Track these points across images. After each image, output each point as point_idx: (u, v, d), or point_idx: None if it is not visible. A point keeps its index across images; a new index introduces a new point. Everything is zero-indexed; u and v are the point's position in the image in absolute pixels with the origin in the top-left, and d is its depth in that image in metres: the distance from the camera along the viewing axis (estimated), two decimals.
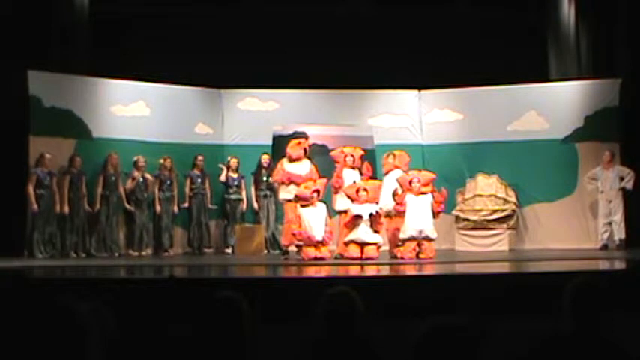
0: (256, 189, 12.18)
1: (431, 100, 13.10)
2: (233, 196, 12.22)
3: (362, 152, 10.94)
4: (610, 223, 11.52)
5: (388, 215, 10.40)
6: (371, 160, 11.53)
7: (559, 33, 12.77)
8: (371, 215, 10.01)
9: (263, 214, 12.16)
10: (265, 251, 11.89)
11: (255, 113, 12.98)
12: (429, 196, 10.12)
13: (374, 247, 9.97)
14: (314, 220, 9.97)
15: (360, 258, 9.79)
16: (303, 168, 10.67)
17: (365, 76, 12.73)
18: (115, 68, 11.92)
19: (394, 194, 10.22)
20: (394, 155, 10.83)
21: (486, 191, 12.03)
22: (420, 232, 9.99)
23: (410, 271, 9.08)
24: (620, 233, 11.42)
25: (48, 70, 11.16)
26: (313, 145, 12.08)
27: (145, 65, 12.13)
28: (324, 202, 10.25)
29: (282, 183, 10.72)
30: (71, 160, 11.17)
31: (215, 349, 3.09)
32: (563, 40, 12.73)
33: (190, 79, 12.51)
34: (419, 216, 10.02)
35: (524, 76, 12.37)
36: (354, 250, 9.92)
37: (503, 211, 11.95)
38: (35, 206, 10.70)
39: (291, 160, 10.71)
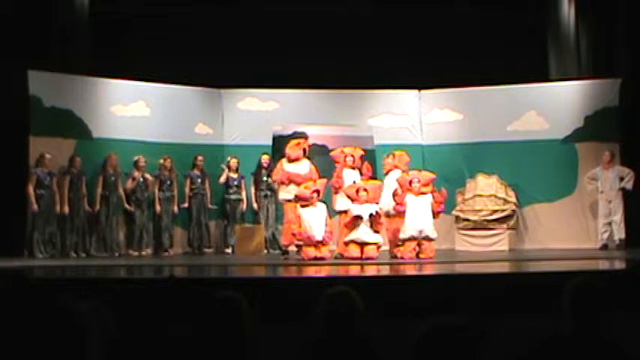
0: (256, 189, 12.19)
1: (431, 100, 13.10)
2: (233, 196, 12.22)
3: (362, 152, 10.94)
4: (610, 223, 11.52)
5: (388, 215, 10.40)
6: (371, 160, 11.53)
7: (559, 33, 12.77)
8: (371, 215, 10.01)
9: (263, 214, 12.16)
10: (265, 251, 11.89)
11: (255, 113, 12.98)
12: (429, 196, 10.13)
13: (374, 247, 9.97)
14: (314, 220, 9.97)
15: (360, 258, 9.79)
16: (303, 168, 10.67)
17: (365, 76, 12.73)
18: (115, 68, 11.92)
19: (394, 194, 10.22)
20: (394, 155, 10.84)
21: (486, 191, 12.03)
22: (420, 232, 10.00)
23: (410, 271, 9.08)
24: (620, 233, 11.42)
25: (48, 70, 11.16)
26: (313, 145, 12.08)
27: (145, 65, 12.13)
28: (324, 202, 10.25)
29: (282, 183, 10.72)
30: (71, 160, 11.17)
31: (215, 349, 3.09)
32: (563, 40, 12.73)
33: (190, 79, 12.51)
34: (419, 216, 10.02)
35: (524, 76, 12.37)
36: (354, 250, 9.92)
37: (503, 211, 11.95)
38: (35, 206, 10.70)
39: (291, 161, 10.71)
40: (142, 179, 11.66)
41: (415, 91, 13.15)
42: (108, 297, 4.70)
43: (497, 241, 11.85)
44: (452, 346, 2.33)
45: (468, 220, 12.03)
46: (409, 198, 10.07)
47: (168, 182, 11.91)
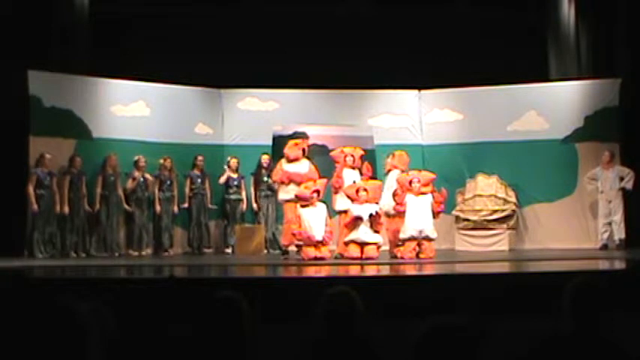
0: (256, 189, 12.19)
1: (431, 100, 13.10)
2: (233, 196, 12.22)
3: (362, 152, 10.94)
4: (610, 223, 11.52)
5: (388, 215, 10.40)
6: (371, 160, 11.53)
7: (559, 33, 12.77)
8: (371, 215, 10.01)
9: (263, 214, 12.16)
10: (265, 251, 11.89)
11: (255, 113, 12.98)
12: (429, 196, 10.13)
13: (374, 247, 9.97)
14: (314, 220, 9.97)
15: (360, 258, 9.80)
16: (302, 167, 10.67)
17: (365, 76, 12.74)
18: (115, 68, 11.92)
19: (394, 194, 10.22)
20: (394, 155, 10.84)
21: (486, 191, 12.03)
22: (420, 232, 10.00)
23: (410, 271, 9.08)
24: (620, 233, 11.42)
25: (48, 70, 11.16)
26: (313, 145, 12.09)
27: (145, 65, 12.13)
28: (324, 202, 10.25)
29: (282, 183, 10.72)
30: (71, 160, 11.18)
31: (215, 349, 3.09)
32: (563, 40, 12.73)
33: (190, 79, 12.51)
34: (419, 216, 10.02)
35: (524, 76, 12.37)
36: (354, 250, 9.92)
37: (503, 211, 11.95)
38: (35, 206, 10.70)
39: (290, 161, 10.71)
40: (142, 179, 11.66)
41: (415, 91, 13.15)
42: (108, 297, 4.70)
43: (497, 241, 11.85)
44: (452, 346, 2.33)
45: (468, 220, 12.03)
46: (409, 198, 10.07)
47: (168, 182, 11.91)
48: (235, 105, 13.03)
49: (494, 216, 11.93)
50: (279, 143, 12.15)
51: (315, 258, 9.77)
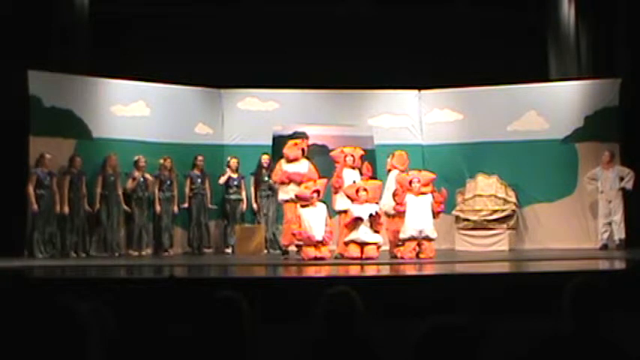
0: (257, 189, 12.19)
1: (431, 100, 13.10)
2: (233, 196, 12.22)
3: (362, 152, 10.94)
4: (610, 223, 11.52)
5: (388, 215, 10.40)
6: (371, 160, 11.53)
7: (559, 33, 12.77)
8: (371, 215, 10.01)
9: (263, 214, 12.16)
10: (265, 251, 11.89)
11: (255, 113, 12.98)
12: (429, 196, 10.13)
13: (374, 247, 9.97)
14: (314, 220, 9.97)
15: (360, 258, 9.80)
16: (302, 167, 10.67)
17: (365, 76, 12.74)
18: (115, 68, 11.92)
19: (394, 194, 10.22)
20: (394, 155, 10.85)
21: (486, 191, 12.03)
22: (420, 232, 10.00)
23: (410, 271, 9.08)
24: (620, 233, 11.42)
25: (48, 70, 11.16)
26: (313, 145, 12.10)
27: (145, 65, 12.13)
28: (324, 202, 10.25)
29: (282, 183, 10.73)
30: (71, 160, 11.18)
31: (215, 349, 3.09)
32: (563, 40, 12.73)
33: (190, 79, 12.51)
34: (419, 216, 10.03)
35: (524, 76, 12.37)
36: (354, 250, 9.92)
37: (503, 211, 11.95)
38: (35, 206, 10.70)
39: (289, 161, 10.71)
40: (142, 179, 11.66)
41: (415, 91, 13.15)
42: (108, 297, 4.70)
43: (497, 241, 11.85)
44: (452, 346, 2.33)
45: (468, 220, 12.03)
46: (409, 198, 10.08)
47: (168, 182, 11.91)
48: (235, 105, 13.03)
49: (494, 216, 11.93)
50: (279, 143, 12.15)
51: (315, 258, 9.77)
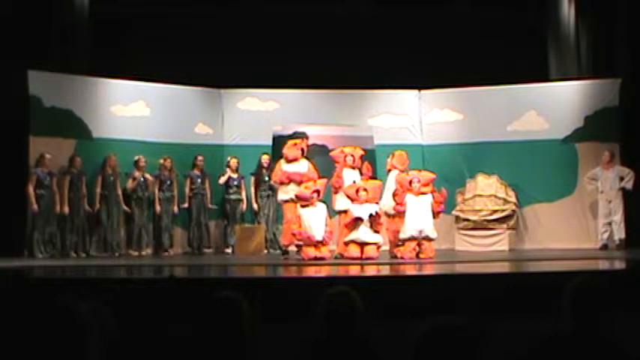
0: (257, 189, 12.19)
1: (431, 100, 13.10)
2: (233, 196, 12.22)
3: (362, 152, 10.94)
4: (610, 223, 11.52)
5: (388, 215, 10.40)
6: (371, 160, 11.53)
7: (559, 33, 12.77)
8: (371, 215, 10.01)
9: (263, 214, 12.16)
10: (265, 251, 11.89)
11: (255, 113, 12.98)
12: (429, 196, 10.13)
13: (374, 247, 9.97)
14: (314, 220, 9.97)
15: (360, 258, 9.80)
16: (301, 167, 10.67)
17: (365, 76, 12.74)
18: (115, 68, 11.92)
19: (394, 194, 10.22)
20: (393, 155, 10.85)
21: (486, 191, 12.03)
22: (420, 232, 10.00)
23: (410, 271, 9.08)
24: (620, 233, 11.42)
25: (48, 70, 11.16)
26: (313, 145, 12.10)
27: (145, 65, 12.13)
28: (324, 202, 10.25)
29: (282, 183, 10.73)
30: (71, 160, 11.18)
31: (215, 349, 3.09)
32: (563, 40, 12.73)
33: (190, 79, 12.51)
34: (419, 216, 10.03)
35: (524, 76, 12.37)
36: (354, 250, 9.92)
37: (503, 211, 11.95)
38: (35, 206, 10.70)
39: (289, 161, 10.71)
40: (142, 179, 11.66)
41: (415, 91, 13.15)
42: (108, 297, 4.70)
43: (497, 241, 11.85)
44: (452, 346, 2.33)
45: (468, 220, 12.03)
46: (409, 198, 10.08)
47: (168, 182, 11.91)
48: (235, 105, 13.03)
49: (494, 216, 11.93)
50: (279, 143, 12.15)
51: (315, 258, 9.77)
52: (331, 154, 11.03)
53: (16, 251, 10.44)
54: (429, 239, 10.07)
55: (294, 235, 10.08)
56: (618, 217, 11.46)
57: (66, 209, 10.98)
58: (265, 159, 12.15)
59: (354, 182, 10.39)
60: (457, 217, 12.10)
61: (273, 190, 11.81)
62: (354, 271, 9.00)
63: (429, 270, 9.07)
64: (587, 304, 3.12)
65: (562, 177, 12.17)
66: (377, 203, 10.19)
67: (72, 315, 2.07)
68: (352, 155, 10.66)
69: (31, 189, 10.72)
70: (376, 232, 10.08)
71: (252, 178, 12.24)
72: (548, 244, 11.90)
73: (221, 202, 12.31)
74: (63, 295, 2.17)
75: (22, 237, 10.69)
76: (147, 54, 12.39)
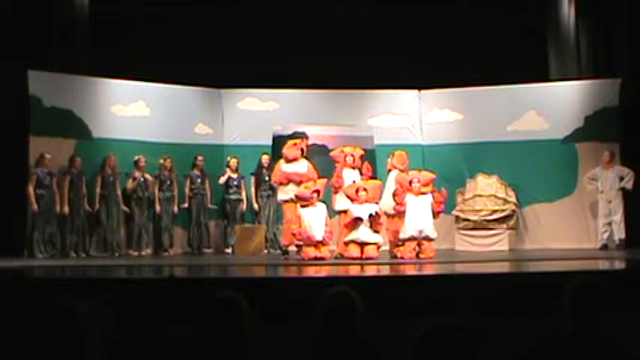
0: (257, 189, 12.19)
1: (431, 100, 13.10)
2: (233, 196, 12.22)
3: (362, 152, 10.94)
4: (610, 223, 11.52)
5: (387, 215, 10.40)
6: (371, 160, 11.53)
7: (559, 33, 12.78)
8: (370, 215, 10.00)
9: (264, 214, 12.16)
10: (265, 251, 11.89)
11: (255, 113, 12.98)
12: (429, 196, 10.13)
13: (374, 247, 9.97)
14: (314, 220, 9.97)
15: (360, 258, 9.80)
16: (301, 167, 10.67)
17: (365, 76, 12.74)
18: (115, 68, 11.92)
19: (394, 194, 10.22)
20: (393, 155, 10.85)
21: (486, 191, 12.03)
22: (420, 232, 10.00)
23: (410, 271, 9.08)
24: (620, 233, 11.42)
25: (48, 70, 11.16)
26: (313, 145, 12.10)
27: (145, 65, 12.13)
28: (324, 202, 10.25)
29: (281, 183, 10.73)
30: (71, 160, 11.18)
31: (215, 349, 3.09)
32: (563, 40, 12.73)
33: (190, 79, 12.51)
34: (419, 216, 10.02)
35: (524, 76, 12.37)
36: (354, 250, 9.92)
37: (503, 211, 11.95)
38: (35, 206, 10.70)
39: (288, 161, 10.71)
40: (142, 179, 11.66)
41: (415, 91, 13.15)
42: (108, 297, 4.70)
43: (497, 241, 11.85)
44: (452, 346, 2.33)
45: (468, 220, 12.03)
46: (409, 198, 10.08)
47: (168, 182, 11.91)
48: (235, 105, 13.03)
49: (494, 216, 11.93)
50: (279, 143, 12.15)
51: (315, 258, 9.77)
52: (331, 154, 11.03)
53: (16, 251, 10.44)
54: (429, 239, 10.07)
55: (294, 235, 10.08)
56: (618, 217, 11.46)
57: (66, 209, 10.98)
58: (265, 159, 12.15)
59: (354, 182, 10.39)
60: (457, 217, 12.10)
61: (274, 190, 11.80)
62: (354, 271, 9.00)
63: (429, 270, 9.07)
64: (587, 304, 3.12)
65: (562, 177, 12.17)
66: (377, 203, 10.19)
67: (72, 315, 2.07)
68: (352, 155, 10.66)
69: (31, 189, 10.72)
70: (376, 232, 10.08)
71: (253, 178, 12.24)
72: (548, 244, 11.90)
73: (221, 202, 12.31)
74: (63, 295, 2.17)
75: (22, 237, 10.69)
76: (147, 54, 12.39)
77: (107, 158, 11.41)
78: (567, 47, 12.70)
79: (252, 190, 12.22)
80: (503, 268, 9.43)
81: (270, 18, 12.84)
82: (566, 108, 12.27)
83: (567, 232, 12.00)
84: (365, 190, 10.13)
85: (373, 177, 10.87)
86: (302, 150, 10.81)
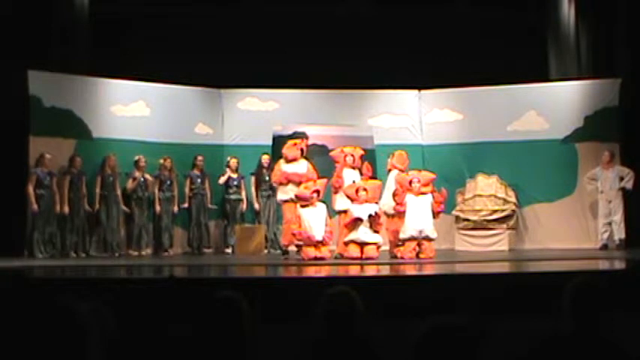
0: (258, 189, 12.19)
1: (431, 100, 13.10)
2: (233, 196, 12.22)
3: (362, 152, 10.94)
4: (610, 223, 11.52)
5: (387, 215, 10.40)
6: (371, 160, 11.53)
7: (559, 33, 12.78)
8: (370, 215, 10.00)
9: (264, 214, 12.16)
10: (266, 251, 11.89)
11: (255, 113, 12.98)
12: (429, 196, 10.13)
13: (374, 247, 9.97)
14: (314, 220, 9.97)
15: (360, 258, 9.80)
16: (301, 168, 10.67)
17: (365, 76, 12.74)
18: (115, 68, 11.92)
19: (394, 194, 10.22)
20: (393, 155, 10.85)
21: (486, 191, 12.03)
22: (420, 232, 10.00)
23: (410, 271, 9.08)
24: (620, 233, 11.42)
25: (48, 70, 11.16)
26: (313, 145, 12.10)
27: (145, 65, 12.13)
28: (324, 202, 10.25)
29: (281, 183, 10.73)
30: (71, 160, 11.18)
31: (215, 349, 3.09)
32: (563, 40, 12.73)
33: (190, 79, 12.51)
34: (419, 216, 10.02)
35: (524, 76, 12.37)
36: (354, 250, 9.92)
37: (503, 211, 11.95)
38: (35, 206, 10.70)
39: (288, 161, 10.71)
40: (142, 179, 11.66)
41: (415, 91, 13.15)
42: (108, 297, 4.70)
43: (497, 241, 11.85)
44: (452, 346, 2.33)
45: (468, 220, 12.03)
46: (409, 198, 10.08)
47: (168, 182, 11.91)
48: (235, 105, 13.03)
49: (494, 216, 11.93)
50: (279, 143, 12.15)
51: (315, 258, 9.77)
52: (331, 154, 11.03)
53: (16, 251, 10.44)
54: (429, 239, 10.07)
55: (294, 235, 10.08)
56: (618, 217, 11.46)
57: (66, 209, 10.98)
58: (266, 159, 12.15)
59: (354, 182, 10.39)
60: (457, 217, 12.10)
61: (274, 190, 11.80)
62: (354, 271, 9.00)
63: (429, 270, 9.07)
64: (587, 304, 3.12)
65: (562, 177, 12.17)
66: (377, 203, 10.19)
67: (72, 315, 2.07)
68: (352, 155, 10.66)
69: (31, 189, 10.72)
70: (376, 232, 10.08)
71: (253, 178, 12.24)
72: (548, 244, 11.90)
73: (221, 202, 12.31)
74: (63, 295, 2.17)
75: (22, 237, 10.69)
76: (147, 54, 12.39)
77: (107, 158, 11.41)
78: (567, 47, 12.70)
79: (253, 190, 12.22)
80: (503, 268, 9.43)
81: (270, 18, 12.84)
82: (566, 108, 12.27)
83: (567, 232, 12.00)
84: (365, 190, 10.13)
85: (373, 177, 10.88)
86: (302, 150, 10.81)
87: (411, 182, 10.13)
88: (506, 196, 12.02)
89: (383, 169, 11.22)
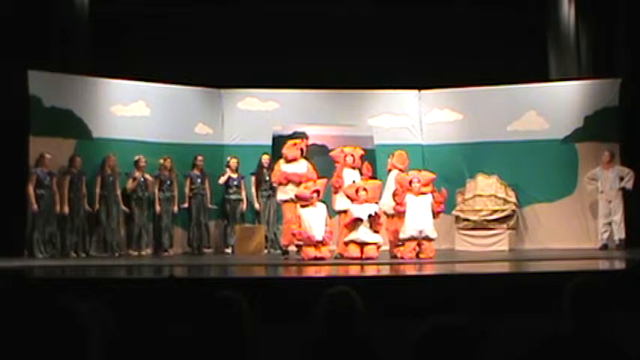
0: (258, 189, 12.19)
1: (431, 100, 13.10)
2: (233, 196, 12.22)
3: (362, 152, 10.94)
4: (610, 223, 11.52)
5: (387, 215, 10.40)
6: (371, 160, 11.54)
7: (559, 33, 12.78)
8: (370, 215, 10.00)
9: (264, 214, 12.16)
10: (266, 251, 11.89)
11: (255, 113, 12.98)
12: (429, 196, 10.13)
13: (374, 247, 9.97)
14: (314, 220, 9.97)
15: (360, 258, 9.80)
16: (301, 168, 10.67)
17: (365, 76, 12.74)
18: (115, 68, 11.92)
19: (394, 194, 10.22)
20: (393, 155, 10.85)
21: (486, 191, 12.03)
22: (420, 232, 10.00)
23: (410, 271, 9.08)
24: (620, 233, 11.42)
25: (48, 70, 11.16)
26: (313, 145, 12.10)
27: (145, 65, 12.13)
28: (324, 202, 10.25)
29: (281, 184, 10.73)
30: (71, 160, 11.18)
31: (215, 349, 3.09)
32: (563, 40, 12.73)
33: (190, 79, 12.51)
34: (419, 216, 10.02)
35: (524, 76, 12.37)
36: (354, 250, 9.92)
37: (503, 211, 11.95)
38: (35, 206, 10.70)
39: (288, 161, 10.71)
40: (142, 179, 11.66)
41: (415, 91, 13.15)
42: (108, 297, 4.69)
43: (497, 241, 11.85)
44: (452, 346, 2.33)
45: (468, 220, 12.03)
46: (409, 198, 10.08)
47: (168, 182, 11.92)
48: (235, 105, 13.03)
49: (494, 216, 11.93)
50: (279, 143, 12.15)
51: (315, 258, 9.77)
52: (331, 154, 11.03)
53: (16, 251, 10.44)
54: (429, 239, 10.07)
55: (294, 235, 10.08)
56: (618, 217, 11.46)
57: (66, 209, 10.98)
58: (266, 159, 12.15)
59: (354, 182, 10.39)
60: (457, 217, 12.10)
61: (274, 190, 11.80)
62: (354, 271, 9.00)
63: (429, 270, 9.07)
64: (587, 304, 3.12)
65: (562, 177, 12.17)
66: (377, 203, 10.19)
67: (72, 315, 2.07)
68: (352, 155, 10.66)
69: (31, 189, 10.72)
70: (376, 232, 10.08)
71: (253, 178, 12.25)
72: (548, 244, 11.90)
73: (221, 202, 12.31)
74: (63, 295, 2.17)
75: (22, 237, 10.69)
76: (147, 54, 12.39)
77: (106, 158, 11.41)
78: (567, 47, 12.70)
79: (253, 190, 12.22)
80: (503, 268, 9.44)
81: (270, 18, 12.84)
82: (566, 108, 12.27)
83: (567, 232, 12.00)
84: (365, 190, 10.13)
85: (373, 177, 10.88)
86: (302, 150, 10.81)
87: (411, 182, 10.13)
88: (506, 196, 12.02)
89: (383, 169, 11.22)
